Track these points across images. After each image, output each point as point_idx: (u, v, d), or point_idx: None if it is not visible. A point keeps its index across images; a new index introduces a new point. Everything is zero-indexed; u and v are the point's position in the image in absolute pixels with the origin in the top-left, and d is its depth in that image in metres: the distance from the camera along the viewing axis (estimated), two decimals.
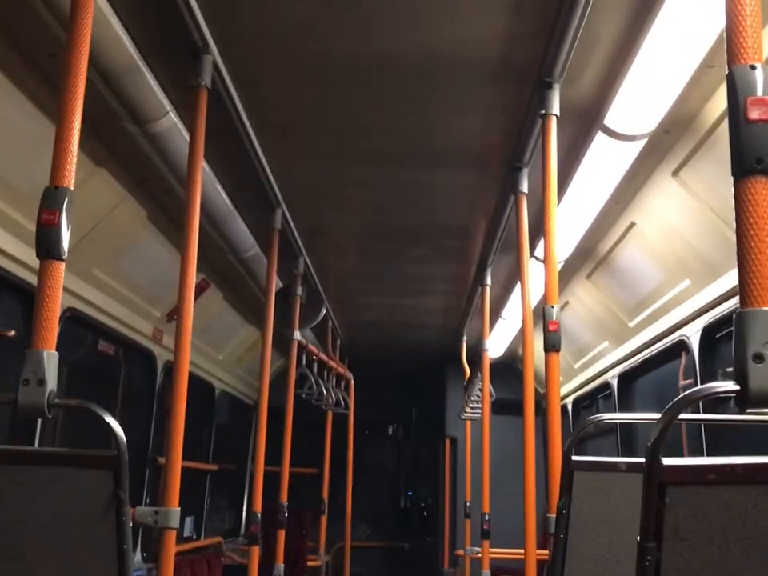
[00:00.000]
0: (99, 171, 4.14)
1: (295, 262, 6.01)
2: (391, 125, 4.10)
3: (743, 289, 1.38)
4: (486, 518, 5.82)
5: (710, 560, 1.28)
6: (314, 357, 7.53)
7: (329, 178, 4.83)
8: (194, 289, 3.12)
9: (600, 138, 3.79)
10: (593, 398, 7.81)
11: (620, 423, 6.56)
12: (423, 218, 5.47)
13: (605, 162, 4.03)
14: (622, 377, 6.40)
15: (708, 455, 4.40)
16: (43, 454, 2.32)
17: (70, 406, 2.44)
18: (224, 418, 8.81)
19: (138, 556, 5.85)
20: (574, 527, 2.38)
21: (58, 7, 2.63)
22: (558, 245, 3.46)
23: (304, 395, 7.39)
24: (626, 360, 6.19)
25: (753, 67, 1.42)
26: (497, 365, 8.13)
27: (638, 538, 1.30)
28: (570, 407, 8.49)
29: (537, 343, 3.86)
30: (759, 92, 1.40)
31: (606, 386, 6.86)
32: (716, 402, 4.01)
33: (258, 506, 4.74)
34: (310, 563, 8.30)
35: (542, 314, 3.37)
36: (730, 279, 4.06)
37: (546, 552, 3.30)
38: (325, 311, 7.12)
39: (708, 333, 4.50)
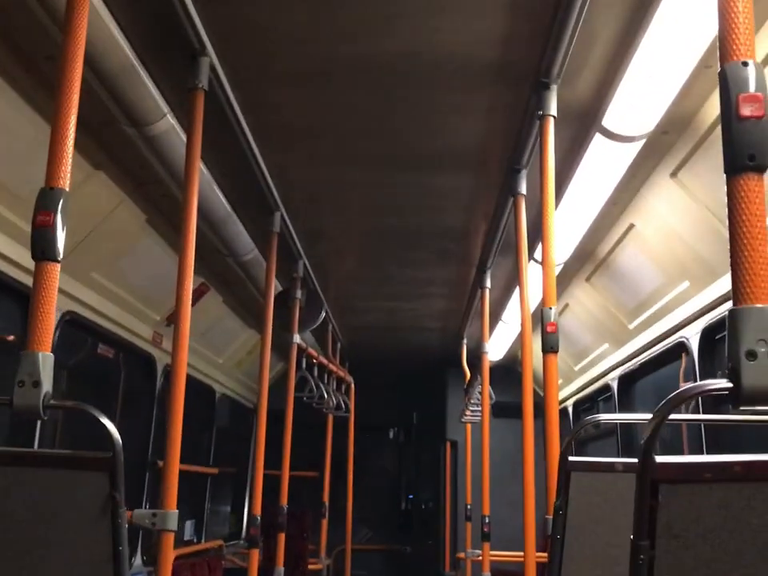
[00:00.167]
0: (97, 174, 4.14)
1: (294, 265, 6.01)
2: (389, 127, 4.10)
3: (736, 286, 1.37)
4: (486, 521, 5.81)
5: (703, 558, 1.28)
6: (314, 360, 7.53)
7: (327, 180, 4.82)
8: (191, 291, 3.11)
9: (598, 139, 3.78)
10: (593, 401, 7.80)
11: (620, 426, 6.55)
12: (422, 220, 5.47)
13: (603, 164, 4.03)
14: (622, 379, 6.39)
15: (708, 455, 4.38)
16: (38, 455, 2.32)
17: (66, 408, 2.45)
18: (224, 422, 8.81)
19: (138, 559, 5.85)
20: (572, 528, 2.37)
21: (55, 10, 2.63)
22: (557, 247, 3.45)
23: (304, 398, 7.39)
24: (626, 362, 6.18)
25: (745, 64, 1.41)
26: (497, 368, 8.12)
27: (631, 536, 1.30)
28: (570, 410, 8.48)
29: (536, 345, 3.85)
30: (751, 89, 1.40)
31: (607, 388, 6.85)
32: (718, 402, 4.01)
33: (258, 509, 4.74)
34: (311, 566, 8.30)
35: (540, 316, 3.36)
36: (729, 280, 4.04)
37: (546, 555, 3.29)
38: (324, 314, 7.12)
39: (708, 334, 4.50)
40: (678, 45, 3.03)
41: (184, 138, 3.51)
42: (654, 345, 5.43)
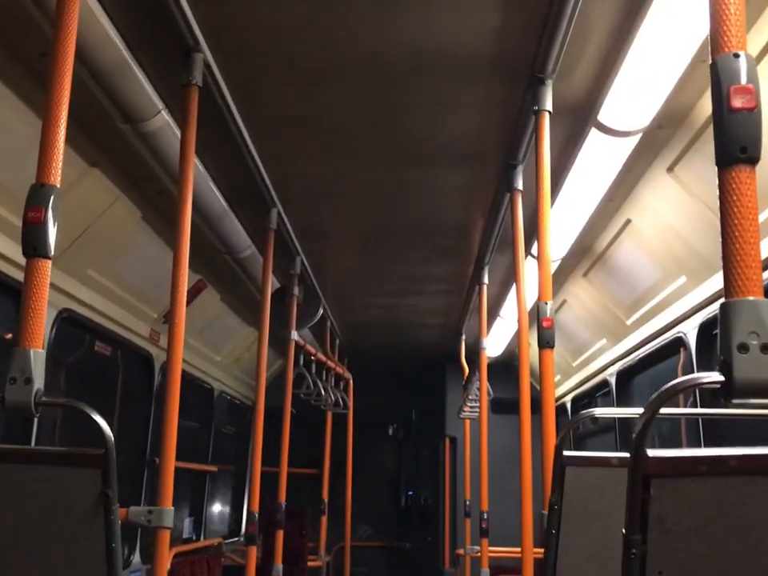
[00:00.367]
0: (92, 171, 4.13)
1: (292, 262, 6.01)
2: (385, 123, 4.09)
3: (728, 279, 1.36)
4: (485, 517, 5.80)
5: (695, 552, 1.27)
6: (312, 357, 7.52)
7: (323, 176, 4.81)
8: (186, 288, 3.11)
9: (594, 134, 3.77)
10: (592, 397, 7.80)
11: (619, 421, 6.55)
12: (419, 216, 5.46)
13: (599, 159, 4.01)
14: (620, 374, 6.39)
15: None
16: (31, 452, 2.32)
17: (58, 405, 2.44)
18: (223, 419, 8.81)
19: (136, 557, 5.84)
20: (567, 523, 2.37)
21: (47, 7, 2.62)
22: (553, 242, 3.45)
23: (302, 395, 7.38)
24: (624, 357, 6.18)
25: (736, 55, 1.40)
26: (496, 364, 8.13)
27: (623, 530, 1.29)
28: (569, 405, 8.48)
29: (533, 341, 3.85)
30: (743, 80, 1.39)
31: (605, 383, 6.85)
32: (718, 396, 4.00)
33: (256, 506, 4.73)
34: (310, 563, 8.30)
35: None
36: None
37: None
38: (322, 311, 7.11)
39: (705, 329, 4.49)
40: (673, 39, 3.02)
41: (179, 134, 3.50)
42: (652, 340, 5.43)
